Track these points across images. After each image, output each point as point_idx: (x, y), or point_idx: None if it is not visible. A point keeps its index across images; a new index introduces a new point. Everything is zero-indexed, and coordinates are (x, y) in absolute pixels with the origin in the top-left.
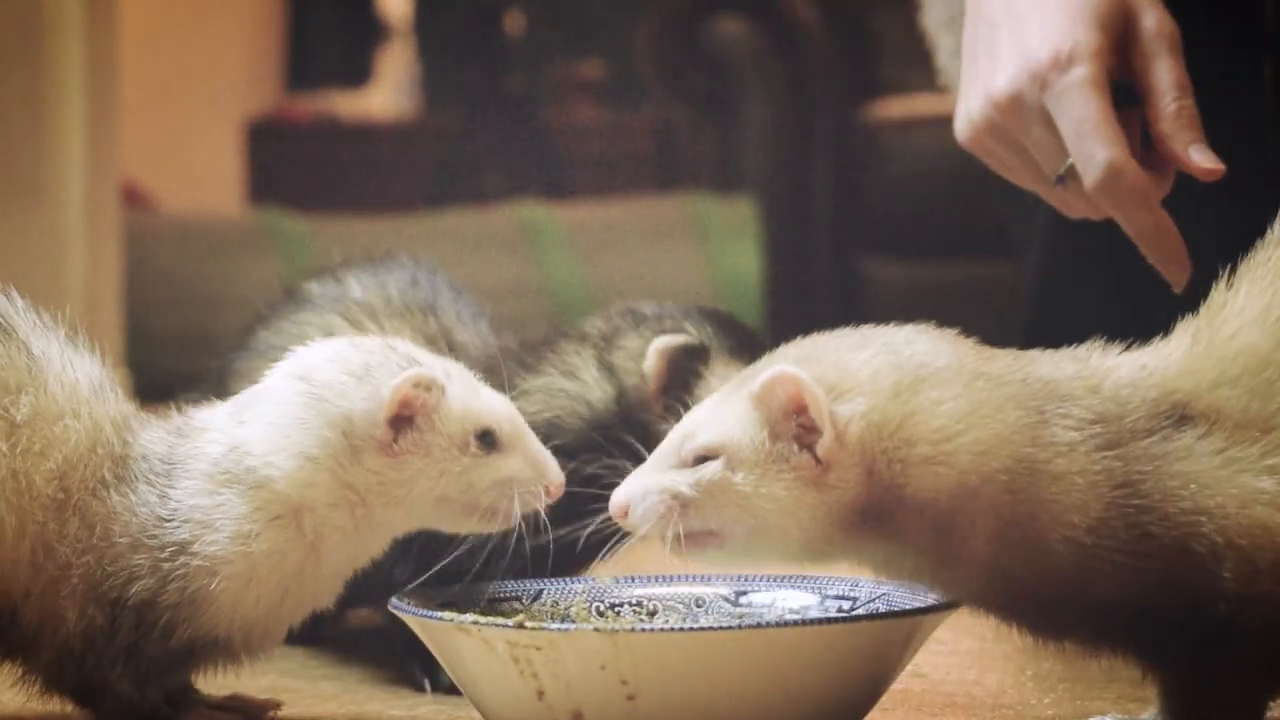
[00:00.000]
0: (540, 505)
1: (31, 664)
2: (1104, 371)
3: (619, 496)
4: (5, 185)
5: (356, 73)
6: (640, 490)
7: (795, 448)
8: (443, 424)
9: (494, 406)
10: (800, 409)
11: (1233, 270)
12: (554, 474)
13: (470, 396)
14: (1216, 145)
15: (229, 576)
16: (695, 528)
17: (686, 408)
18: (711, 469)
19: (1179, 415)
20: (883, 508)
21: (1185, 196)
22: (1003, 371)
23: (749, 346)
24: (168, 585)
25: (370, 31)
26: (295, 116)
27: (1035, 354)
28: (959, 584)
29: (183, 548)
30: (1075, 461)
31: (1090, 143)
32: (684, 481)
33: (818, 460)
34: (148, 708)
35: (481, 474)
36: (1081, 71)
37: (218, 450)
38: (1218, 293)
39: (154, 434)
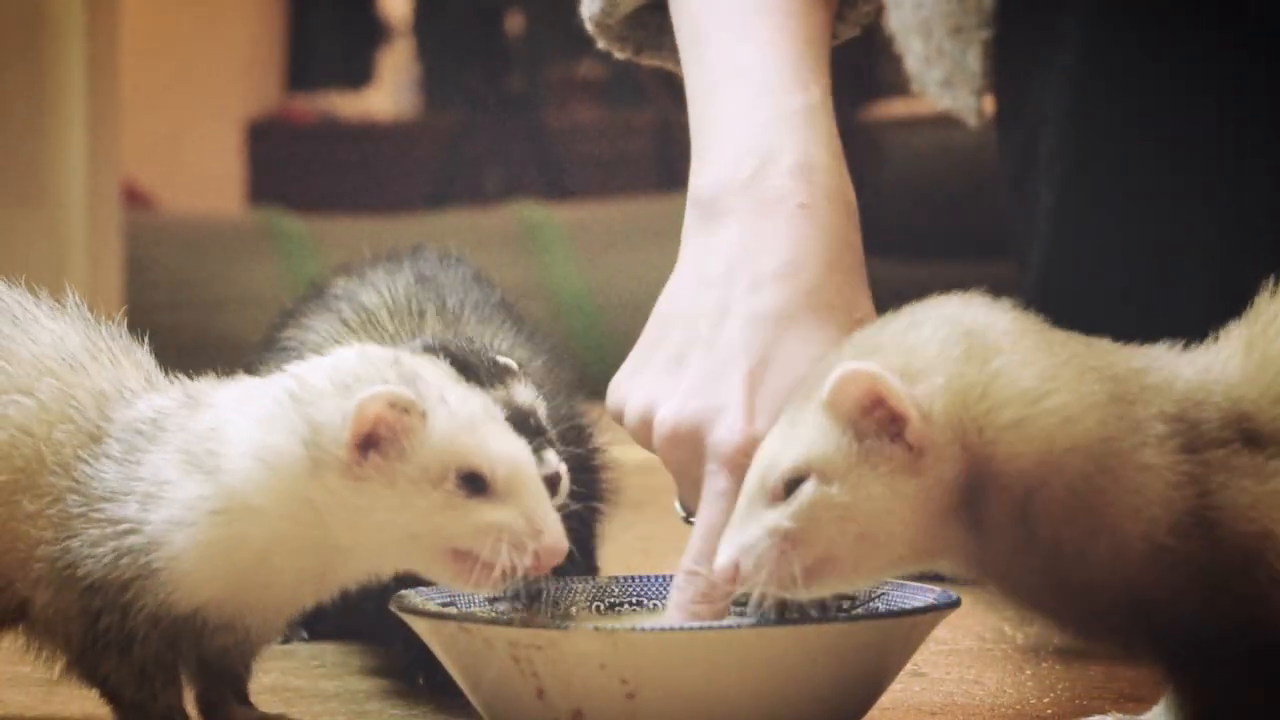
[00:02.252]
0: (523, 565)
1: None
2: (1175, 368)
3: (723, 560)
4: (6, 185)
5: (356, 73)
6: (743, 544)
7: (884, 441)
8: (415, 453)
9: (492, 447)
10: (877, 402)
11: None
12: (551, 537)
13: (463, 430)
14: (1222, 140)
15: (167, 558)
16: (809, 560)
17: None
18: (806, 491)
19: (1249, 429)
20: (975, 487)
21: (1188, 193)
22: (1074, 345)
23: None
24: (121, 559)
25: (370, 31)
26: (295, 116)
27: (1109, 342)
28: (1017, 577)
29: (135, 524)
30: (1163, 456)
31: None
32: (783, 516)
33: (910, 447)
34: (160, 715)
35: (456, 517)
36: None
37: (201, 427)
38: (1265, 303)
39: (152, 401)
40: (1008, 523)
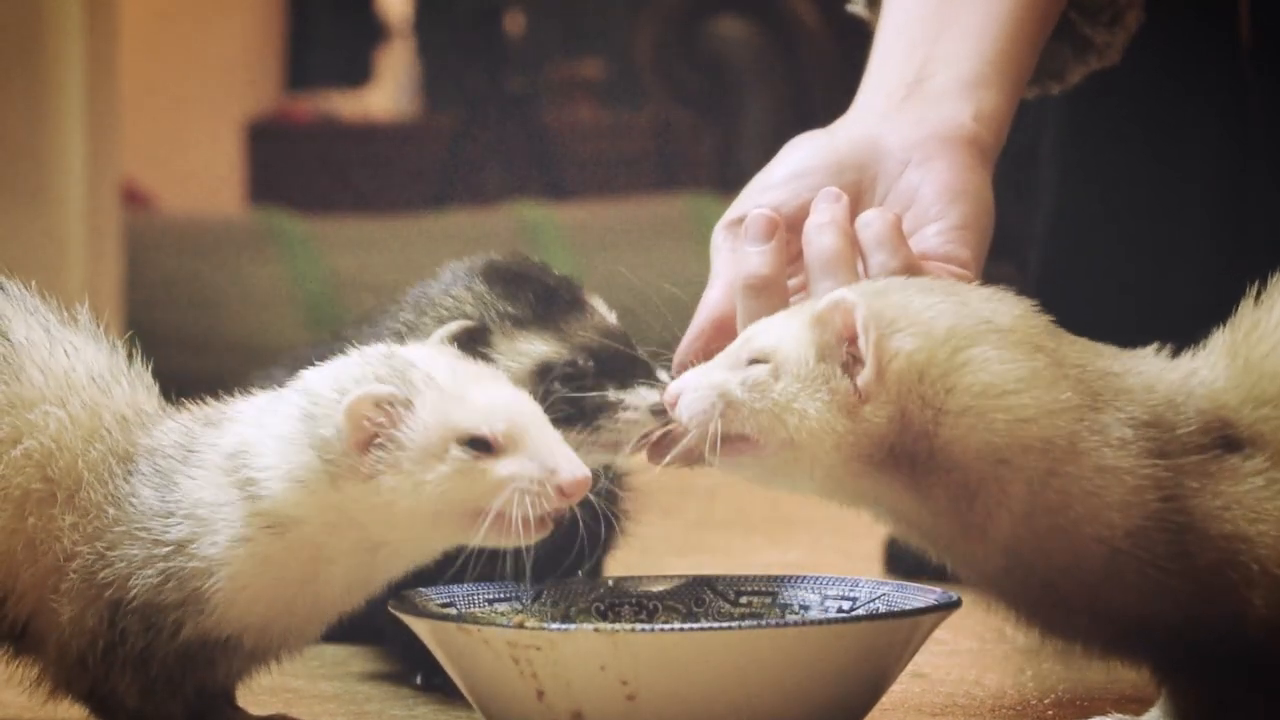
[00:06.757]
0: (549, 506)
1: (41, 662)
2: (1158, 373)
3: (674, 387)
4: (5, 186)
5: (356, 73)
6: (693, 383)
7: (838, 372)
8: (411, 438)
9: (482, 408)
10: (852, 337)
11: (1262, 286)
12: (566, 472)
13: (451, 402)
14: (1221, 141)
15: (225, 578)
16: (734, 430)
17: None
18: (758, 371)
19: (1229, 435)
20: (913, 454)
21: (1170, 188)
22: (1067, 352)
23: (545, 304)
24: (167, 583)
25: (370, 31)
26: (295, 116)
27: (1100, 345)
28: (974, 561)
29: (181, 546)
30: (1124, 459)
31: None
32: (734, 380)
33: (856, 390)
34: None
35: (466, 482)
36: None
37: (231, 446)
38: (1247, 310)
39: (174, 424)
40: (951, 504)
